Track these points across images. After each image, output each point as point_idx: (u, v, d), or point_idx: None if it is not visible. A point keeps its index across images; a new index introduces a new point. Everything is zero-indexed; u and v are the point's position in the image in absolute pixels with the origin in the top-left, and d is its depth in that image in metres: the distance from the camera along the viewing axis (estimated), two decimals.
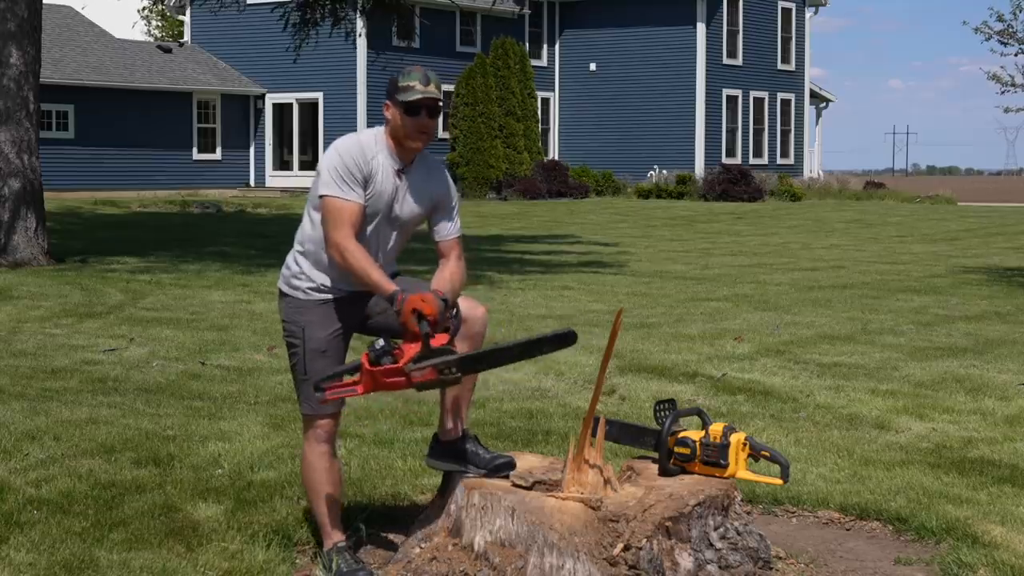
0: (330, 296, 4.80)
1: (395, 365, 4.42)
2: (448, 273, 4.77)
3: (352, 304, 4.84)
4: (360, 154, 4.67)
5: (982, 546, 5.25)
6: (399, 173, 4.76)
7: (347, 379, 4.57)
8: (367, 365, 4.46)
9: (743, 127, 44.86)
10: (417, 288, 4.62)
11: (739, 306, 13.57)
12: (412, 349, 4.44)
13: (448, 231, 4.86)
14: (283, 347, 4.71)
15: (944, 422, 7.77)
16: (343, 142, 4.73)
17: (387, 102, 4.73)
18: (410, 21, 28.79)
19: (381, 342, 4.46)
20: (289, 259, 4.90)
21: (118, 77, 37.40)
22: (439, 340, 4.45)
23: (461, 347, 4.67)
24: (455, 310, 4.60)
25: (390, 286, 4.54)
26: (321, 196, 4.66)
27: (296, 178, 39.61)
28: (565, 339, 4.53)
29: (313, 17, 21.93)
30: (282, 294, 4.90)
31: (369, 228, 4.75)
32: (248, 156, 41.19)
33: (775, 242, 24.48)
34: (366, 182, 4.66)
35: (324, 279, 4.79)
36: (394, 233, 4.84)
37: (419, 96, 4.65)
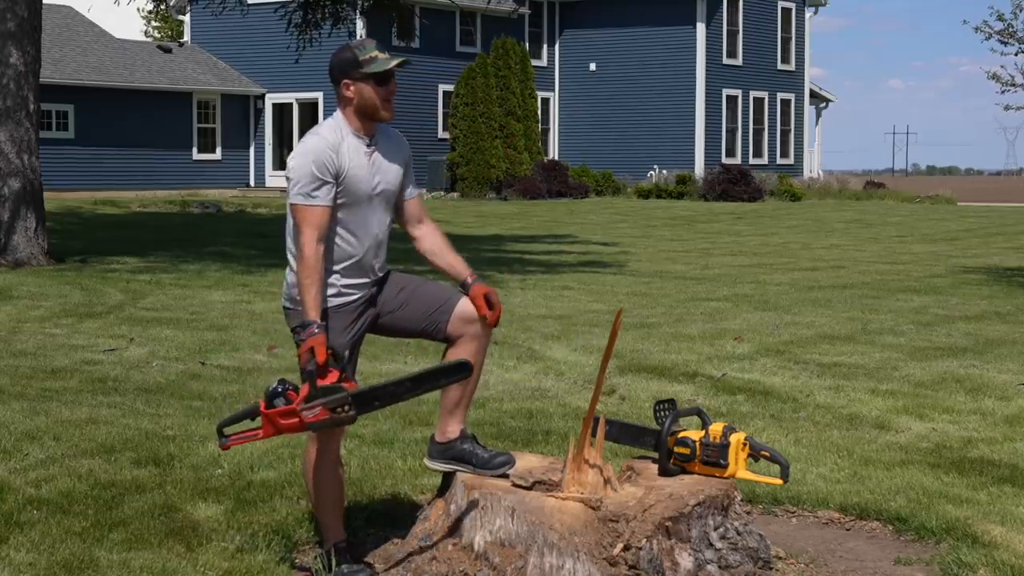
0: (346, 299, 4.77)
1: (289, 407, 4.45)
2: (448, 255, 4.91)
3: (365, 306, 4.83)
4: (326, 152, 4.66)
5: (982, 546, 5.25)
6: (369, 149, 4.77)
7: (249, 425, 4.63)
8: (263, 409, 4.50)
9: (743, 127, 44.87)
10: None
11: (739, 306, 13.57)
12: (305, 390, 4.47)
13: (413, 191, 4.97)
14: (284, 347, 4.76)
15: (944, 422, 7.77)
16: (308, 146, 4.70)
17: (346, 81, 4.71)
18: (410, 21, 28.78)
19: (275, 384, 4.52)
20: (288, 274, 4.83)
21: (118, 77, 37.41)
22: (329, 379, 4.47)
23: (470, 347, 4.75)
24: (344, 361, 4.61)
25: (314, 314, 4.57)
26: (291, 204, 4.71)
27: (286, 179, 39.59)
28: (459, 370, 4.60)
29: (315, 18, 21.94)
30: (288, 310, 4.82)
31: (363, 212, 4.76)
32: (248, 156, 41.20)
33: (775, 242, 24.48)
34: (337, 176, 4.68)
35: (334, 278, 4.76)
36: (385, 209, 4.84)
37: (392, 64, 4.69)
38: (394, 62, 4.69)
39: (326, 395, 4.42)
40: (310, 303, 4.59)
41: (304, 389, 4.47)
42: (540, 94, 43.05)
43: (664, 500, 4.66)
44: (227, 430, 4.63)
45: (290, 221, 4.77)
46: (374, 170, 4.76)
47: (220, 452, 6.55)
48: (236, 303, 13.10)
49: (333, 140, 4.70)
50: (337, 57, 4.76)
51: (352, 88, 4.72)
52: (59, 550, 5.04)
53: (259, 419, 4.56)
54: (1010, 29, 19.50)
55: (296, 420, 4.44)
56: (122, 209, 30.36)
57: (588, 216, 32.16)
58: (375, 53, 4.69)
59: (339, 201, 4.70)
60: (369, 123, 4.75)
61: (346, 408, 4.43)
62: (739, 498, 4.88)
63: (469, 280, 4.80)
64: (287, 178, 4.75)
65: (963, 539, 5.35)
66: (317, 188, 4.65)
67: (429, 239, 4.95)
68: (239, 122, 40.79)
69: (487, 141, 39.56)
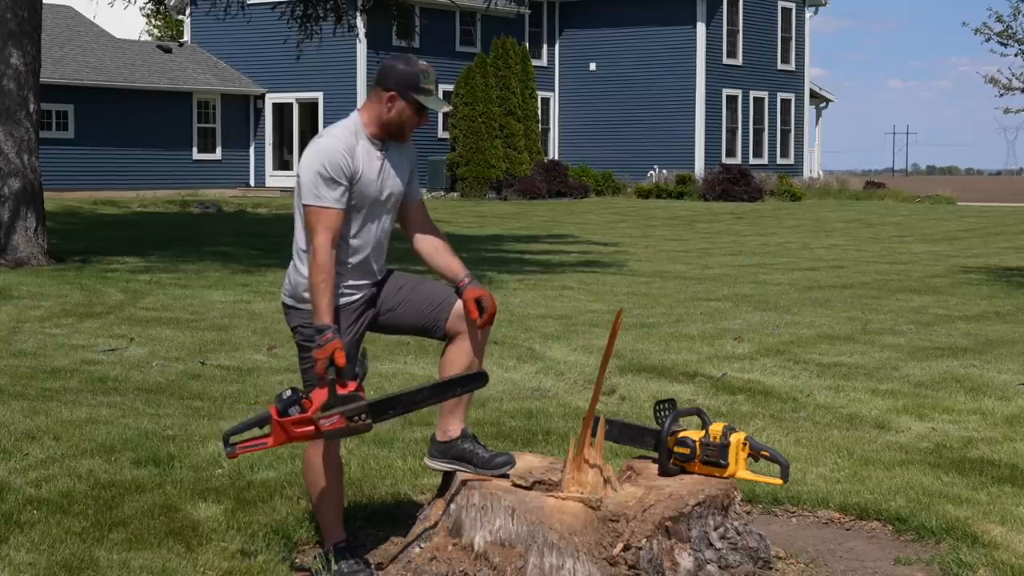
0: (348, 300, 4.77)
1: (304, 415, 4.41)
2: (444, 256, 4.90)
3: (365, 306, 4.84)
4: (340, 154, 4.67)
5: (982, 546, 5.26)
6: (381, 154, 4.79)
7: (256, 434, 4.57)
8: (276, 416, 4.44)
9: (743, 127, 44.85)
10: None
11: (739, 306, 13.57)
12: (320, 397, 4.43)
13: (417, 192, 5.00)
14: (284, 347, 4.74)
15: (944, 422, 7.77)
16: (322, 147, 4.70)
17: (393, 92, 4.72)
18: (410, 20, 28.83)
19: (288, 392, 4.47)
20: (292, 272, 4.84)
21: (118, 77, 37.41)
22: (348, 388, 4.45)
23: (469, 345, 4.75)
24: (364, 360, 4.61)
25: (327, 319, 4.56)
26: (304, 205, 4.70)
27: (296, 178, 39.57)
28: (476, 380, 4.64)
29: (315, 13, 21.94)
30: (289, 307, 4.84)
31: (367, 215, 4.77)
32: (248, 156, 41.19)
33: (775, 242, 24.48)
34: (351, 179, 4.69)
35: (338, 278, 4.77)
36: (388, 213, 4.86)
37: (443, 108, 4.83)
38: (445, 108, 4.84)
39: (345, 403, 4.40)
40: (324, 307, 4.58)
41: (321, 396, 4.43)
42: (540, 94, 43.04)
43: (664, 500, 4.66)
44: (233, 439, 4.57)
45: (299, 220, 4.78)
46: (383, 176, 4.79)
47: (221, 453, 6.56)
48: (236, 303, 13.10)
49: (348, 143, 4.71)
50: (398, 68, 4.74)
51: (396, 103, 4.73)
52: (59, 550, 5.04)
53: (267, 427, 4.50)
54: (1009, 31, 19.52)
55: (311, 428, 4.40)
56: (122, 209, 30.36)
57: (588, 216, 32.15)
58: (432, 86, 4.76)
59: (349, 203, 4.72)
60: (385, 134, 4.79)
61: (363, 417, 4.41)
62: (739, 498, 4.89)
63: (465, 281, 4.81)
64: (298, 178, 4.75)
65: (963, 539, 5.35)
66: (331, 190, 4.65)
67: (428, 241, 4.96)
68: (239, 122, 40.79)
69: (487, 141, 39.56)
